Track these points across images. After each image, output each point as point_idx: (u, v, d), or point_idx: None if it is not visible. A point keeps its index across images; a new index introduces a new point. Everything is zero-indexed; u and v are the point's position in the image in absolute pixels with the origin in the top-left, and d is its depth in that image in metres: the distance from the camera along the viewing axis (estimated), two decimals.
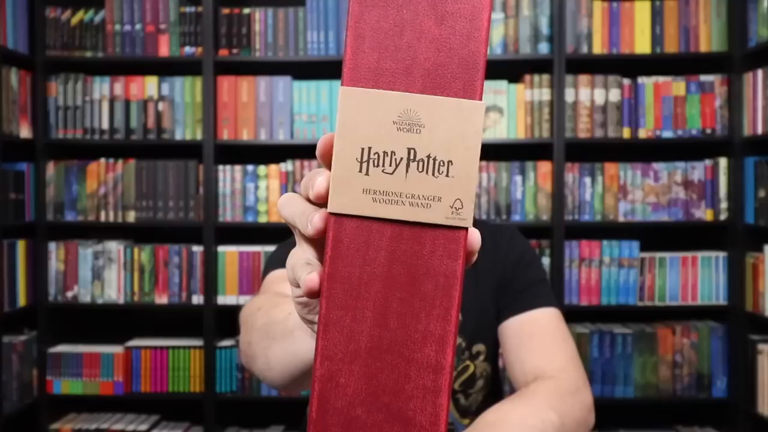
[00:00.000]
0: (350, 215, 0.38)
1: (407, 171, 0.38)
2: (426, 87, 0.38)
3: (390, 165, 0.38)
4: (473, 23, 0.38)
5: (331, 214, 0.38)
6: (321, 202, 0.39)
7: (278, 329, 0.68)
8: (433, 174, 0.38)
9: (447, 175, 0.38)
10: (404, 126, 0.38)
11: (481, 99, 0.38)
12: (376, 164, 0.38)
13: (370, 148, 0.38)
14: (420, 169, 0.38)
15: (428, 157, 0.38)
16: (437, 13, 0.38)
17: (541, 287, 1.08)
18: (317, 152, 0.41)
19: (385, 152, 0.38)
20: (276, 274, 1.04)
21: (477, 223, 1.14)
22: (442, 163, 0.38)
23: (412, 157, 0.38)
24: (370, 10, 0.38)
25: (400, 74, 0.38)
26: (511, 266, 1.09)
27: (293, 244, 1.10)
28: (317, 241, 0.42)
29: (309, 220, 0.39)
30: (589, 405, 0.93)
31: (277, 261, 1.07)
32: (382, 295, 0.38)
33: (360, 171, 0.38)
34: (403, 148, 0.38)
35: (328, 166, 0.40)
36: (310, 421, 0.39)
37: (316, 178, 0.39)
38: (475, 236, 0.40)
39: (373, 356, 0.38)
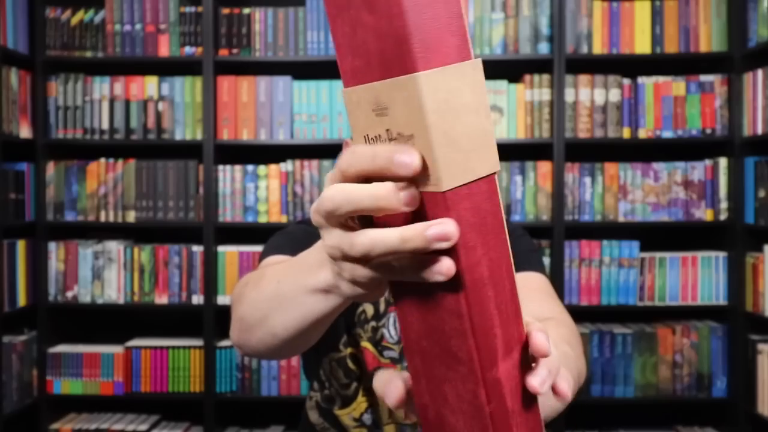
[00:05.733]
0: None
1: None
2: (382, 74, 0.41)
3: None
4: (389, 2, 0.40)
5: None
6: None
7: (282, 298, 0.65)
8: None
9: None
10: (379, 112, 0.42)
11: (418, 70, 0.40)
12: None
13: (367, 135, 0.43)
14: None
15: (398, 134, 0.41)
16: (367, 4, 0.40)
17: (533, 255, 1.06)
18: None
19: (376, 136, 0.42)
20: (276, 259, 1.01)
21: None
22: (407, 138, 0.42)
23: (389, 137, 0.42)
24: (335, 19, 0.42)
25: (365, 68, 0.41)
26: None
27: (294, 232, 1.08)
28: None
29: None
30: (583, 360, 0.91)
31: (277, 247, 1.05)
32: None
33: None
34: (383, 130, 0.42)
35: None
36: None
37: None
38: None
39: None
